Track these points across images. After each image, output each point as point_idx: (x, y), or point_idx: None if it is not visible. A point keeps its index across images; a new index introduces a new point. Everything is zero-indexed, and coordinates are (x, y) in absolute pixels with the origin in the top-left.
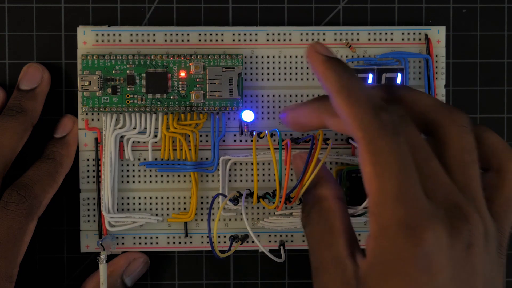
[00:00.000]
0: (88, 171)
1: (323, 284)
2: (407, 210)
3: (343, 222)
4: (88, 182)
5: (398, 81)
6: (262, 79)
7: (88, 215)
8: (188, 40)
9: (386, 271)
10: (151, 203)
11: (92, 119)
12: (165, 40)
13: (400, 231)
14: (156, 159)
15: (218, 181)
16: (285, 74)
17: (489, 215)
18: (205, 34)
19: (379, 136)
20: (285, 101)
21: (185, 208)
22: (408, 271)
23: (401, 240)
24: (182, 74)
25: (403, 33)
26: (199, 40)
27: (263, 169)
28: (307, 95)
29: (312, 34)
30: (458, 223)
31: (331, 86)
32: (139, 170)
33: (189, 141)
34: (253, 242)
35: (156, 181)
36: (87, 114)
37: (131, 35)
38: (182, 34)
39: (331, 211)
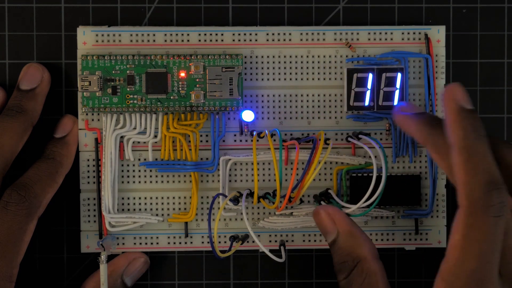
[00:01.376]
0: (88, 171)
1: None
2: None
3: (385, 284)
4: (88, 183)
5: (398, 80)
6: (262, 79)
7: (89, 215)
8: (188, 40)
9: None
10: (151, 203)
11: (92, 120)
12: (165, 40)
13: None
14: (156, 159)
15: (218, 181)
16: (285, 74)
17: None
18: (205, 34)
19: (480, 213)
20: (285, 101)
21: (185, 208)
22: None
23: None
24: (182, 74)
25: (403, 33)
26: (199, 40)
27: (263, 169)
28: (307, 95)
29: (312, 34)
30: None
31: (455, 141)
32: (139, 170)
33: (189, 141)
34: (253, 242)
35: (157, 181)
36: (87, 114)
37: (131, 35)
38: (182, 34)
39: (374, 273)
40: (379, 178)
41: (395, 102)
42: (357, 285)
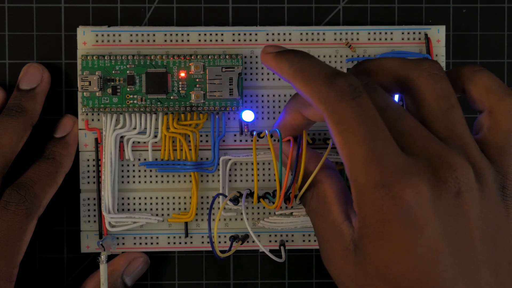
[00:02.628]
0: (88, 171)
1: (326, 255)
2: (380, 170)
3: (334, 189)
4: (88, 183)
5: None
6: (262, 79)
7: (89, 216)
8: (188, 40)
9: (374, 234)
10: (151, 203)
11: (92, 120)
12: (165, 40)
13: (376, 192)
14: (156, 159)
15: (218, 181)
16: None
17: (483, 158)
18: (205, 34)
19: (338, 103)
20: (285, 101)
21: (185, 208)
22: (394, 231)
23: (379, 201)
24: (182, 74)
25: (403, 33)
26: (199, 40)
27: (263, 169)
28: None
29: (312, 34)
30: (442, 172)
31: (286, 74)
32: (139, 170)
33: (189, 141)
34: (253, 242)
35: (156, 181)
36: (87, 114)
37: (131, 35)
38: (182, 34)
39: (319, 182)
40: None
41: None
42: (308, 199)
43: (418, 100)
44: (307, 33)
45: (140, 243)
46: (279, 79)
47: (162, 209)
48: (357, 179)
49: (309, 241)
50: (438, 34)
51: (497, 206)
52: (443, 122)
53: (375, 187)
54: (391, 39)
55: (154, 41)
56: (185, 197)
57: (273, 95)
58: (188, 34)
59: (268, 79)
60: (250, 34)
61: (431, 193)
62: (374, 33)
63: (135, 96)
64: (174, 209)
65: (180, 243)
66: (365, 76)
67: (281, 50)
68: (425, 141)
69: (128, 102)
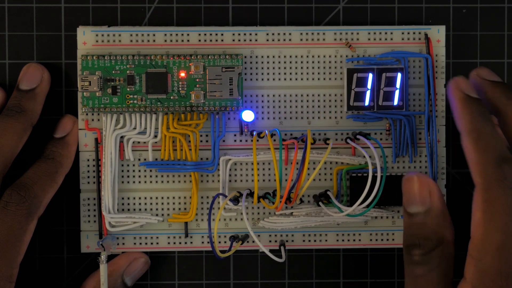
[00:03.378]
0: (88, 171)
1: None
2: (506, 261)
3: (452, 272)
4: (88, 183)
5: (398, 80)
6: (262, 79)
7: (89, 216)
8: (188, 40)
9: None
10: (151, 203)
11: (92, 120)
12: (165, 40)
13: (497, 279)
14: (156, 159)
15: (218, 181)
16: (285, 74)
17: None
18: (205, 34)
19: (496, 187)
20: (285, 101)
21: (185, 208)
22: None
23: (497, 285)
24: (182, 74)
25: (403, 33)
26: (199, 40)
27: (263, 169)
28: (307, 95)
29: (312, 34)
30: None
31: (463, 126)
32: (139, 170)
33: (189, 141)
34: (253, 242)
35: (157, 181)
36: (87, 114)
37: (131, 35)
38: (182, 34)
39: (452, 258)
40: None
41: (395, 102)
42: (433, 266)
43: None
44: (307, 33)
45: (140, 243)
46: (279, 79)
47: (162, 209)
48: (483, 260)
49: (309, 241)
50: (438, 34)
51: None
52: None
53: (498, 275)
54: (391, 39)
55: (154, 41)
56: (185, 197)
57: (273, 95)
58: (188, 34)
59: (268, 79)
60: (250, 34)
61: None
62: (374, 33)
63: (135, 96)
64: (174, 209)
65: (180, 243)
66: None
67: (471, 96)
68: None
69: (128, 102)
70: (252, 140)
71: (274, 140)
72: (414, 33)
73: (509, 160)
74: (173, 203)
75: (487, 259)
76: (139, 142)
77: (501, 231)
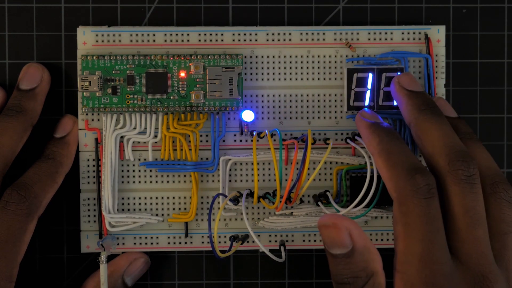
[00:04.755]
0: (88, 171)
1: None
2: (431, 271)
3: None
4: (88, 183)
5: None
6: (262, 79)
7: (89, 216)
8: (188, 40)
9: None
10: (151, 203)
11: (92, 120)
12: (165, 40)
13: None
14: (156, 159)
15: (218, 181)
16: (285, 74)
17: None
18: (205, 34)
19: (410, 198)
20: (285, 101)
21: (185, 208)
22: None
23: None
24: (182, 74)
25: (402, 33)
26: (199, 40)
27: (263, 169)
28: (307, 95)
29: (312, 34)
30: None
31: (372, 149)
32: (139, 170)
33: (189, 141)
34: (253, 242)
35: (157, 181)
36: (87, 114)
37: (131, 35)
38: (182, 34)
39: (383, 286)
40: (379, 178)
41: (395, 102)
42: None
43: (450, 211)
44: (307, 33)
45: (140, 243)
46: (279, 79)
47: (162, 209)
48: (407, 272)
49: (309, 241)
50: (438, 34)
51: None
52: (499, 243)
53: (424, 285)
54: (391, 39)
55: (154, 41)
56: (185, 197)
57: (273, 95)
58: (188, 34)
59: (268, 79)
60: (250, 34)
61: None
62: (374, 33)
63: (135, 96)
64: (174, 209)
65: (180, 243)
66: (473, 166)
67: (376, 122)
68: (480, 257)
69: (128, 102)
70: (252, 140)
71: (274, 140)
72: (414, 33)
73: (420, 170)
74: (173, 203)
75: (411, 271)
76: (139, 142)
77: (420, 242)
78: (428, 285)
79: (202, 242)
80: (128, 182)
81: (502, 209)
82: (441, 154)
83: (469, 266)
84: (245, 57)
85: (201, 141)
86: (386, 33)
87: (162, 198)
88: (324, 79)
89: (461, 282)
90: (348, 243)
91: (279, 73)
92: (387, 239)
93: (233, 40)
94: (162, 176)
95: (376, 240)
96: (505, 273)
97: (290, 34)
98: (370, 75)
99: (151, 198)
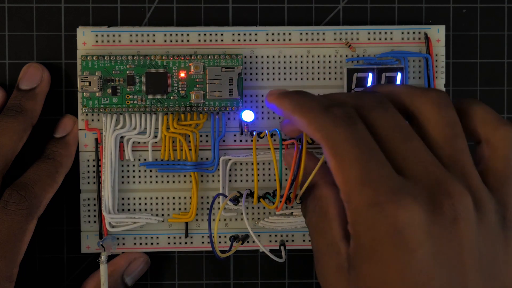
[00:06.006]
0: (88, 171)
1: (321, 269)
2: (374, 189)
3: (336, 206)
4: (88, 183)
5: (398, 80)
6: (262, 79)
7: (89, 216)
8: (188, 40)
9: (367, 253)
10: (151, 204)
11: (92, 120)
12: (165, 40)
13: (370, 211)
14: (156, 159)
15: (219, 181)
16: (285, 74)
17: (484, 188)
18: (205, 34)
19: (333, 128)
20: None
21: (185, 209)
22: (386, 251)
23: (372, 220)
24: (182, 74)
25: (402, 33)
26: (199, 40)
27: (263, 169)
28: None
29: (312, 34)
30: (439, 198)
31: (287, 109)
32: (139, 171)
33: (189, 141)
34: (253, 242)
35: (157, 182)
36: (87, 114)
37: (131, 35)
38: (182, 34)
39: (324, 197)
40: None
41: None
42: (310, 211)
43: (423, 127)
44: (307, 33)
45: (140, 243)
46: (279, 79)
47: (162, 209)
48: (352, 200)
49: (309, 241)
50: (438, 34)
51: (496, 236)
52: (447, 150)
53: (369, 206)
54: (391, 39)
55: (154, 41)
56: (185, 197)
57: None
58: (188, 34)
59: (268, 79)
60: (250, 34)
61: (425, 217)
62: (374, 33)
63: (135, 96)
64: (174, 209)
65: (180, 243)
66: (380, 94)
67: (284, 91)
68: (427, 166)
69: (128, 102)
70: (252, 140)
71: (274, 140)
72: (414, 33)
73: (336, 103)
74: (173, 203)
75: (354, 197)
76: (139, 142)
77: (355, 165)
78: (371, 205)
79: (202, 242)
80: (128, 182)
81: (441, 112)
82: (414, 91)
83: (419, 178)
84: (245, 57)
85: (201, 141)
86: (386, 33)
87: (162, 198)
88: (324, 79)
89: (414, 195)
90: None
91: (279, 73)
92: None
93: (233, 40)
94: (162, 176)
95: None
96: (462, 179)
97: (290, 34)
98: (370, 75)
99: (151, 198)
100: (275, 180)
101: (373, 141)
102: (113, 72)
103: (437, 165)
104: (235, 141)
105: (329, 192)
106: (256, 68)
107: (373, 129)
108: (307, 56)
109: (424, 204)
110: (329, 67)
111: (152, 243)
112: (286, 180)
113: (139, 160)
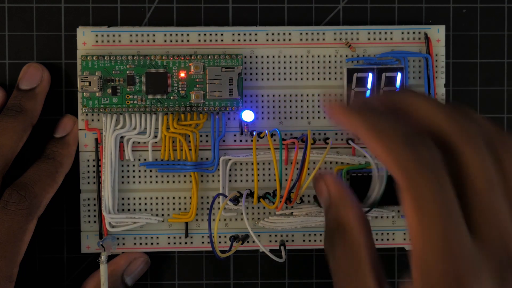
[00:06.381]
0: (88, 171)
1: None
2: (453, 262)
3: (369, 251)
4: (88, 183)
5: (398, 80)
6: (262, 79)
7: (89, 216)
8: (188, 40)
9: None
10: (151, 204)
11: (92, 120)
12: (165, 41)
13: (446, 282)
14: (156, 159)
15: (219, 181)
16: (285, 74)
17: None
18: (205, 34)
19: (419, 174)
20: (285, 101)
21: (185, 209)
22: None
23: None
24: (182, 74)
25: (402, 33)
26: (199, 40)
27: (263, 169)
28: (307, 95)
29: (312, 34)
30: (508, 275)
31: (360, 133)
32: (139, 171)
33: (189, 141)
34: (253, 242)
35: (157, 182)
36: (87, 114)
37: (131, 35)
38: (182, 34)
39: (356, 240)
40: (380, 178)
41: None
42: (339, 256)
43: (465, 177)
44: (307, 33)
45: (140, 243)
46: (279, 79)
47: (162, 209)
48: (427, 261)
49: (309, 241)
50: (438, 34)
51: None
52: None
53: (446, 276)
54: (391, 38)
55: (154, 41)
56: (185, 197)
57: (273, 95)
58: (188, 34)
59: (268, 79)
60: (250, 34)
61: None
62: (374, 33)
63: (135, 96)
64: (174, 209)
65: (180, 243)
66: (480, 120)
67: (352, 106)
68: (502, 232)
69: (128, 102)
70: (252, 140)
71: (274, 140)
72: (414, 33)
73: (420, 137)
74: (173, 203)
75: (431, 264)
76: (139, 142)
77: (438, 228)
78: (449, 277)
79: (202, 242)
80: (128, 182)
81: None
82: (439, 116)
83: (491, 244)
84: (245, 57)
85: (201, 141)
86: (386, 33)
87: (162, 198)
88: (324, 79)
89: (484, 267)
90: (325, 194)
91: (279, 73)
92: (387, 239)
93: (233, 40)
94: (162, 176)
95: (376, 240)
96: None
97: (290, 34)
98: (370, 75)
99: (151, 198)
100: (275, 180)
101: (455, 195)
102: (113, 72)
103: (509, 234)
104: (235, 141)
105: (361, 231)
106: (256, 68)
107: (460, 169)
108: (307, 56)
109: (495, 278)
110: (329, 67)
111: (152, 243)
112: (286, 180)
113: (139, 160)
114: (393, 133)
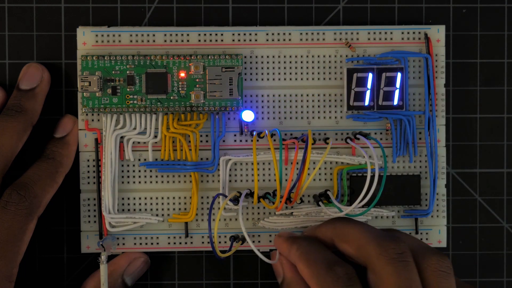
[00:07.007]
0: (88, 171)
1: None
2: None
3: None
4: (88, 183)
5: (398, 80)
6: (262, 79)
7: (89, 216)
8: (188, 40)
9: None
10: (151, 204)
11: (92, 120)
12: (165, 40)
13: None
14: (156, 159)
15: (219, 181)
16: (285, 74)
17: None
18: (205, 34)
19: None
20: (285, 101)
21: (185, 209)
22: None
23: None
24: (182, 74)
25: (402, 33)
26: (199, 40)
27: (263, 169)
28: (307, 95)
29: (312, 34)
30: None
31: (293, 256)
32: (139, 171)
33: (189, 141)
34: (253, 242)
35: (157, 182)
36: (87, 114)
37: (131, 35)
38: (182, 34)
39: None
40: (379, 177)
41: (395, 102)
42: None
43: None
44: (307, 33)
45: (140, 243)
46: (279, 79)
47: (162, 209)
48: None
49: None
50: (438, 34)
51: None
52: None
53: None
54: (391, 38)
55: (154, 41)
56: (185, 197)
57: (273, 95)
58: (188, 34)
59: (268, 79)
60: (250, 34)
61: None
62: (374, 33)
63: (135, 96)
64: (174, 209)
65: (180, 243)
66: (403, 243)
67: (293, 236)
68: None
69: (128, 102)
70: (252, 140)
71: (274, 140)
72: (414, 33)
73: (338, 262)
74: (173, 203)
75: None
76: (139, 142)
77: None
78: None
79: (202, 242)
80: (128, 182)
81: (440, 281)
82: (369, 242)
83: None
84: (245, 57)
85: (201, 141)
86: (386, 33)
87: (162, 198)
88: (324, 79)
89: None
90: (281, 274)
91: (279, 73)
92: None
93: (233, 40)
94: (162, 176)
95: None
96: None
97: (290, 34)
98: (370, 75)
99: (151, 198)
100: (275, 180)
101: None
102: (113, 72)
103: None
104: (235, 141)
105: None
106: (256, 68)
107: (382, 286)
108: (307, 56)
109: None
110: (329, 67)
111: (152, 243)
112: (286, 180)
113: (139, 160)
114: (318, 258)
